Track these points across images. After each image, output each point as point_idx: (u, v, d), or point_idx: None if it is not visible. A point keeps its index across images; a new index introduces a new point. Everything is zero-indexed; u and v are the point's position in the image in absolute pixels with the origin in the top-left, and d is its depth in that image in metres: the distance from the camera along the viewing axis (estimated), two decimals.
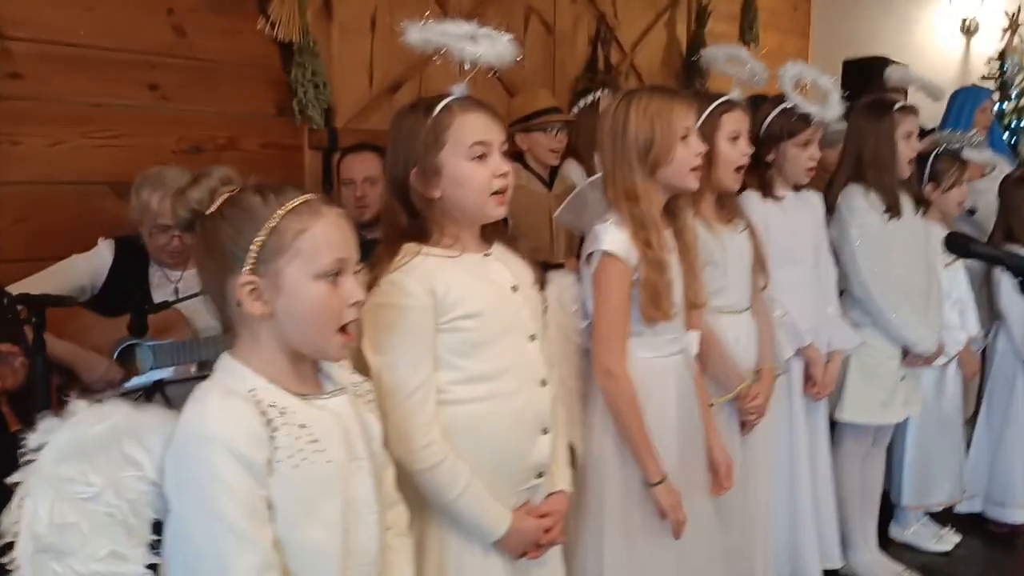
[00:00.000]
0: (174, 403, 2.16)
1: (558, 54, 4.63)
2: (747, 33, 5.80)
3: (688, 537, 2.02)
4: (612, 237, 1.93)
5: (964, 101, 4.26)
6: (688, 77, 5.37)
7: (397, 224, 1.67)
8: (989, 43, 5.84)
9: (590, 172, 3.71)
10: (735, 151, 2.24)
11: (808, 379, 2.63)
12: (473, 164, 1.63)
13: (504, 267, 1.71)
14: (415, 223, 1.66)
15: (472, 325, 1.63)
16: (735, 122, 2.25)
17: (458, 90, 1.68)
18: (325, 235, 1.28)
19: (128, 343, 2.54)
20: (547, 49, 4.57)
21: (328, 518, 1.28)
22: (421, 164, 1.63)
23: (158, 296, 2.66)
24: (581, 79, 4.70)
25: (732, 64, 2.39)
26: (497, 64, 1.69)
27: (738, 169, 2.27)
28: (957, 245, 1.89)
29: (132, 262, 2.67)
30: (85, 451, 1.20)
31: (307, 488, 1.25)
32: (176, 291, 2.71)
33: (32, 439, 1.19)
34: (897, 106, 2.77)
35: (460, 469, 1.61)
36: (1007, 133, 4.97)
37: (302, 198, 1.30)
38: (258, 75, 3.39)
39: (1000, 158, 4.01)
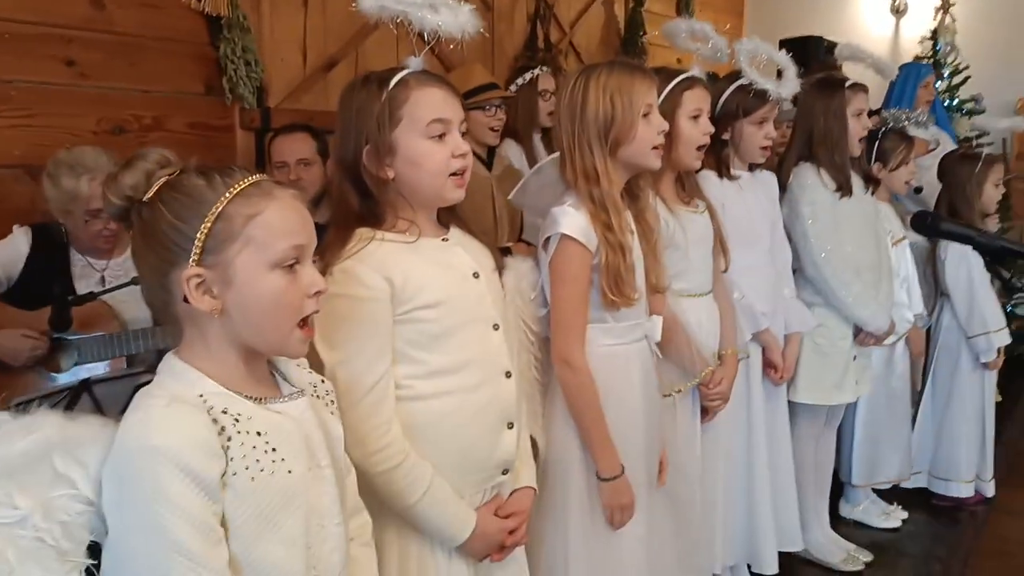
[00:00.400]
0: (104, 404, 2.02)
1: (497, 31, 4.53)
2: (683, 12, 5.79)
3: (651, 529, 1.96)
4: (571, 220, 1.84)
5: (907, 77, 4.29)
6: (626, 56, 5.32)
7: (348, 207, 1.54)
8: (918, 24, 5.92)
9: (528, 152, 3.63)
10: (696, 130, 2.17)
11: (767, 364, 2.59)
12: (431, 143, 1.52)
13: (464, 252, 1.61)
14: (367, 206, 1.54)
15: (433, 315, 1.52)
16: (696, 100, 2.18)
17: (414, 63, 1.56)
18: (279, 220, 1.15)
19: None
20: (485, 25, 4.45)
21: (289, 534, 1.15)
22: (374, 142, 1.51)
23: (82, 287, 2.50)
24: (520, 56, 4.62)
25: (694, 40, 2.31)
26: (459, 35, 1.58)
27: (699, 148, 2.19)
28: (926, 224, 1.85)
29: (51, 250, 2.50)
30: (9, 470, 1.06)
31: (266, 502, 1.13)
32: (102, 280, 2.55)
33: None
34: (848, 83, 2.73)
35: (421, 471, 1.51)
36: None
37: (251, 179, 1.16)
38: (184, 51, 3.21)
39: (943, 134, 4.05)
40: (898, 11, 6.07)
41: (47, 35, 2.77)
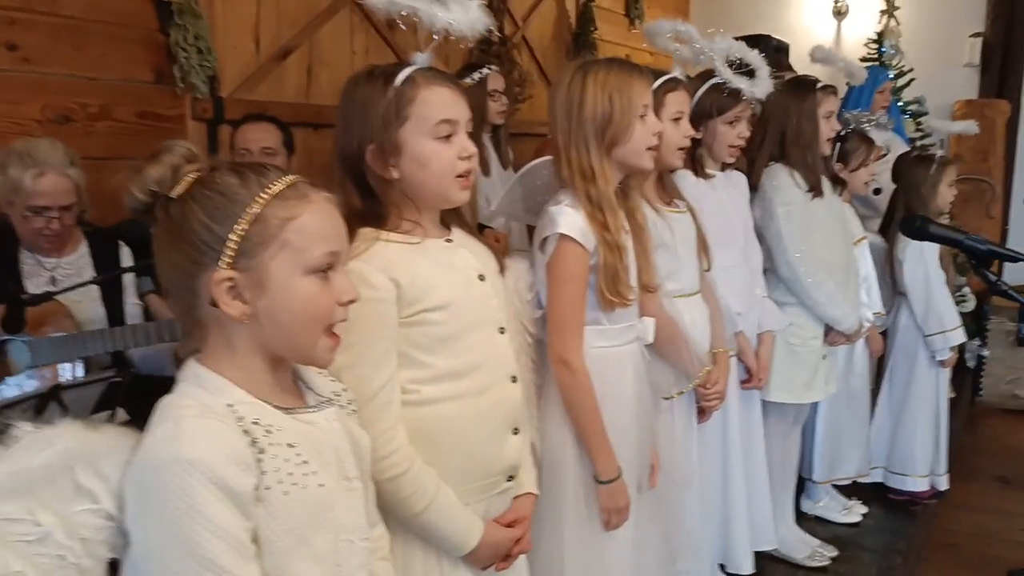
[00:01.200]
0: (72, 410, 1.90)
1: None
2: (632, 9, 5.82)
3: (641, 532, 1.95)
4: (569, 219, 1.80)
5: (875, 79, 4.36)
6: (577, 51, 5.32)
7: (350, 206, 1.46)
8: (859, 26, 6.05)
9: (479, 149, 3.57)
10: (678, 131, 2.15)
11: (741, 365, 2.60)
12: (437, 144, 1.46)
13: (470, 254, 1.56)
14: (370, 205, 1.48)
15: (439, 318, 1.47)
16: (679, 102, 2.16)
17: (421, 59, 1.49)
18: (315, 224, 1.11)
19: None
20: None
21: (319, 550, 1.10)
22: (379, 141, 1.44)
23: (31, 285, 2.36)
24: (475, 49, 4.55)
25: (676, 40, 2.29)
26: (469, 34, 1.52)
27: (681, 149, 2.18)
28: (915, 227, 1.86)
29: None
30: (30, 484, 0.99)
31: (298, 517, 1.08)
32: (52, 280, 2.41)
33: None
34: (819, 85, 2.75)
35: (427, 478, 1.46)
36: None
37: (287, 179, 1.11)
38: (133, 36, 3.06)
39: (895, 138, 4.14)
40: (840, 13, 6.20)
41: None
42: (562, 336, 1.82)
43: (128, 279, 2.53)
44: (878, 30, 5.33)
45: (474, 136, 3.58)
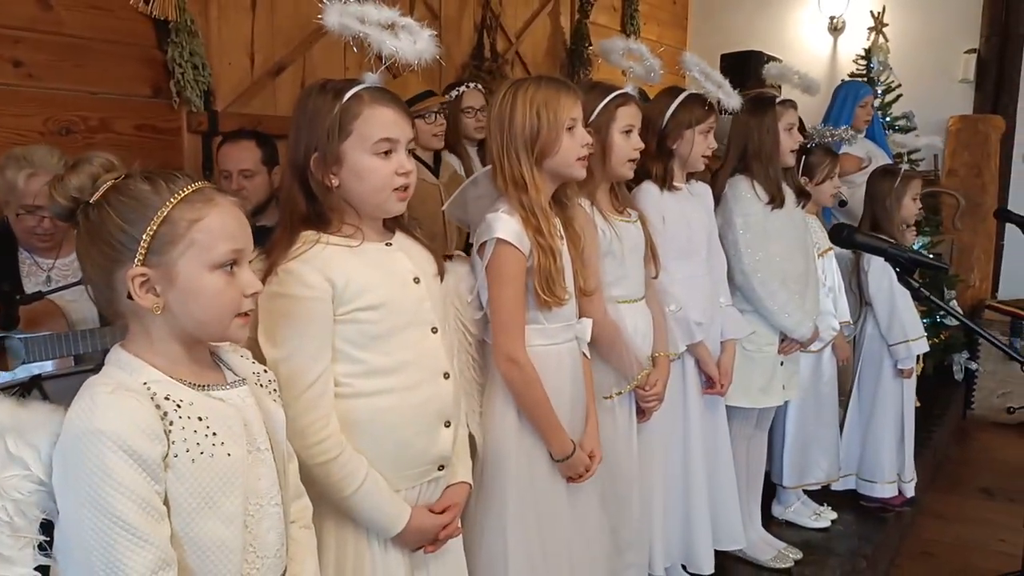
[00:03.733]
0: (53, 399, 2.03)
1: (444, 40, 4.57)
2: (628, 25, 5.93)
3: (587, 523, 2.05)
4: (505, 225, 1.92)
5: (846, 96, 4.46)
6: (572, 67, 5.44)
7: (295, 209, 1.60)
8: (855, 42, 6.13)
9: (465, 163, 3.71)
10: (628, 144, 2.26)
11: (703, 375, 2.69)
12: (376, 159, 1.59)
13: (406, 257, 1.68)
14: (314, 209, 1.61)
15: (373, 317, 1.59)
16: (629, 116, 2.27)
17: (370, 79, 1.62)
18: (220, 224, 1.24)
19: None
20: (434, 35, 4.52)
21: (228, 512, 1.23)
22: (322, 150, 1.57)
23: (29, 285, 2.51)
24: (467, 66, 4.69)
25: (629, 58, 2.41)
26: (415, 61, 1.65)
27: (631, 161, 2.29)
28: (842, 236, 1.96)
29: None
30: None
31: (206, 482, 1.21)
32: (48, 279, 2.56)
33: None
34: (778, 100, 2.86)
35: (357, 464, 1.58)
36: None
37: (194, 185, 1.25)
38: (131, 53, 3.23)
39: (877, 151, 4.22)
40: (836, 29, 6.29)
41: None
42: (506, 335, 1.93)
43: None
44: (866, 46, 5.42)
45: (459, 149, 3.68)
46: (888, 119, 4.96)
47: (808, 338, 2.90)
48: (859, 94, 4.42)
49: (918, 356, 3.48)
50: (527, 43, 5.17)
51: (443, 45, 4.73)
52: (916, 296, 1.92)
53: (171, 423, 1.19)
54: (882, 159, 4.30)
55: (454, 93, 3.78)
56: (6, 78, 2.85)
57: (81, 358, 2.49)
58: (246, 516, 1.26)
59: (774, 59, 5.64)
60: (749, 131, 2.82)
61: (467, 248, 3.25)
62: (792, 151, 2.92)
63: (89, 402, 1.17)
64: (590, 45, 5.43)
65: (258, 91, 3.67)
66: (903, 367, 3.46)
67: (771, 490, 3.40)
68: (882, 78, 4.99)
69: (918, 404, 3.68)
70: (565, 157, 1.97)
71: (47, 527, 1.19)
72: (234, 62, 3.59)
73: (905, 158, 4.94)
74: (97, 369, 2.19)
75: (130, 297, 1.21)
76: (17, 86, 2.88)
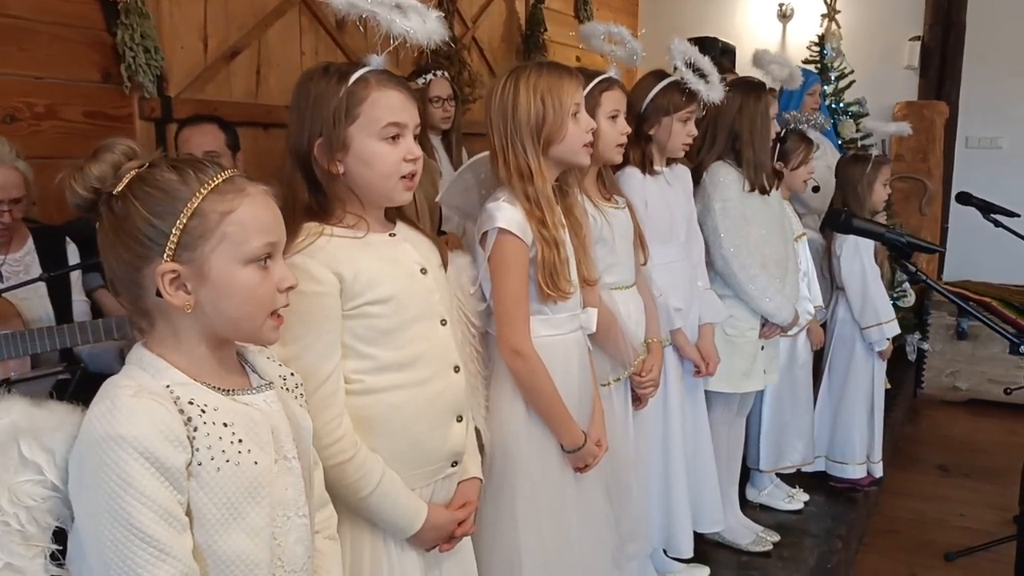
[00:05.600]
0: None
1: None
2: (582, 11, 5.90)
3: (594, 514, 2.03)
4: (507, 214, 1.86)
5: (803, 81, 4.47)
6: (527, 52, 5.38)
7: (297, 199, 1.51)
8: (804, 29, 6.19)
9: (428, 152, 3.62)
10: (615, 129, 2.22)
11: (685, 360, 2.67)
12: (384, 144, 1.51)
13: (412, 248, 1.60)
14: (316, 199, 1.53)
15: (383, 311, 1.51)
16: (614, 101, 2.23)
17: (375, 61, 1.54)
18: (253, 216, 1.15)
19: None
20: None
21: (254, 524, 1.15)
22: (327, 135, 1.49)
23: None
24: (424, 51, 4.58)
25: (611, 42, 2.36)
26: (425, 42, 1.57)
27: (618, 146, 2.25)
28: (839, 221, 1.95)
29: None
30: None
31: (231, 493, 1.13)
32: (0, 276, 2.41)
33: None
34: (768, 86, 2.85)
35: (373, 464, 1.51)
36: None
37: (224, 174, 1.16)
38: (79, 36, 3.06)
39: (824, 139, 4.25)
40: (785, 16, 6.34)
41: None
42: (511, 326, 1.88)
43: (75, 276, 2.53)
44: (820, 33, 5.47)
45: (423, 139, 3.62)
46: (842, 105, 5.01)
47: (789, 322, 2.90)
48: (808, 82, 4.45)
49: (889, 338, 3.52)
50: (483, 28, 5.09)
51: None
52: (914, 280, 1.91)
53: (195, 429, 1.11)
54: (829, 146, 4.34)
55: (420, 81, 3.68)
56: None
57: (38, 358, 2.36)
58: (273, 528, 1.18)
59: (730, 46, 5.69)
60: (742, 116, 2.79)
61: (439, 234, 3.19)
62: (772, 139, 2.91)
63: (110, 405, 1.07)
64: (545, 30, 5.38)
65: (212, 76, 3.53)
66: (879, 348, 3.50)
67: (744, 474, 3.41)
68: (835, 64, 5.03)
69: (888, 386, 3.73)
70: (571, 144, 1.92)
71: (59, 535, 1.12)
72: (187, 46, 3.44)
73: (859, 143, 4.99)
74: (73, 374, 2.10)
75: (158, 295, 1.13)
76: None
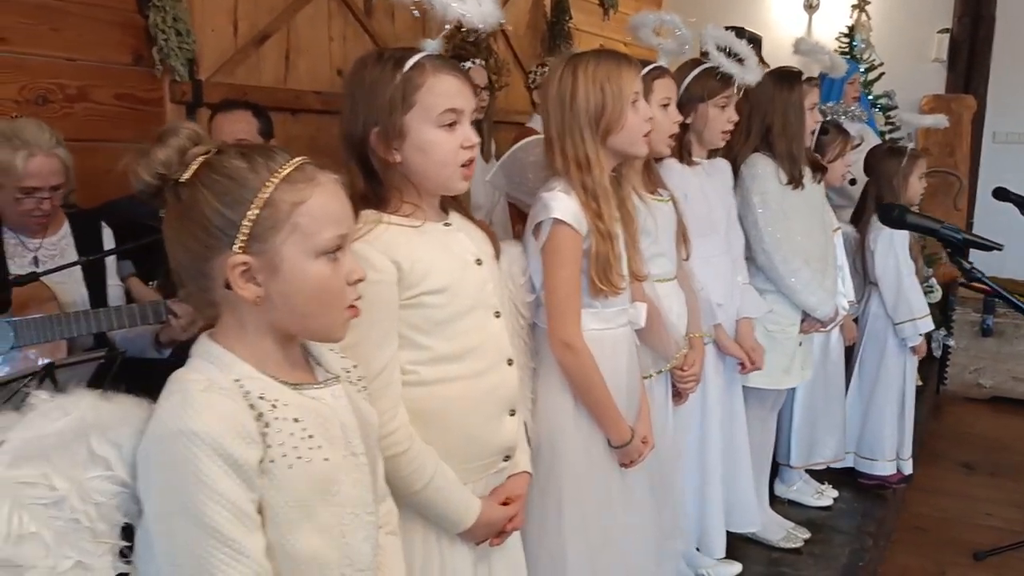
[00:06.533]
0: (64, 390, 1.89)
1: (427, 9, 4.46)
2: None
3: (640, 509, 2.01)
4: (562, 204, 1.83)
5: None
6: (552, 40, 5.33)
7: (353, 188, 1.48)
8: (830, 20, 6.12)
9: None
10: (667, 118, 2.20)
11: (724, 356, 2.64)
12: (441, 132, 1.48)
13: (467, 238, 1.58)
14: (372, 188, 1.50)
15: (438, 301, 1.49)
16: (666, 89, 2.20)
17: (430, 46, 1.51)
18: (324, 207, 1.12)
19: None
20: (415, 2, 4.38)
21: (325, 522, 1.12)
22: (383, 124, 1.46)
23: (13, 266, 2.34)
24: (452, 37, 4.55)
25: (661, 32, 2.32)
26: (481, 26, 1.54)
27: (671, 136, 2.22)
28: (892, 216, 1.91)
29: None
30: (46, 450, 1.02)
31: (303, 490, 1.10)
32: (36, 260, 2.39)
33: None
34: (804, 77, 2.80)
35: (427, 457, 1.48)
36: None
37: (295, 162, 1.12)
38: (111, 18, 3.03)
39: (867, 130, 4.20)
40: (811, 7, 6.27)
41: None
42: (562, 319, 1.85)
43: (110, 261, 2.52)
44: (849, 24, 5.40)
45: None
46: (870, 98, 4.95)
47: (830, 317, 2.87)
48: (849, 72, 4.39)
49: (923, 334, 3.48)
50: (509, 16, 5.03)
51: (426, 14, 4.62)
52: (970, 278, 1.88)
53: (266, 424, 1.08)
54: (873, 137, 4.28)
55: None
56: None
57: (73, 342, 2.35)
58: (341, 526, 1.15)
59: (756, 36, 5.63)
60: (774, 107, 2.76)
61: None
62: (812, 132, 2.87)
63: (180, 399, 1.05)
64: (570, 18, 5.33)
65: (242, 60, 3.50)
66: (911, 344, 3.46)
67: (774, 470, 3.38)
68: (864, 56, 4.97)
69: (919, 382, 3.69)
70: (630, 133, 1.89)
71: (126, 531, 1.09)
72: (217, 29, 3.41)
73: (887, 136, 4.94)
74: (114, 359, 2.08)
75: (227, 287, 1.10)
76: None
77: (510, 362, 1.60)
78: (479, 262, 1.57)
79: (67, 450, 1.04)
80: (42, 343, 2.26)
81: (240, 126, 2.86)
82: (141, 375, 2.31)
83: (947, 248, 1.93)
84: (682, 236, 2.35)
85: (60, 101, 2.89)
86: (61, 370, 1.89)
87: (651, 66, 2.19)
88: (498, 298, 1.60)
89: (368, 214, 1.47)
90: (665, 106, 2.20)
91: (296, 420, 1.11)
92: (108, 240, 2.52)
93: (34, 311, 2.28)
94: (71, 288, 2.42)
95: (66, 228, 2.48)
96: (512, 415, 1.60)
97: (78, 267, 2.40)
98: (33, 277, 2.19)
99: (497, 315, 1.59)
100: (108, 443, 1.06)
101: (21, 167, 2.21)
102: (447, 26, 1.57)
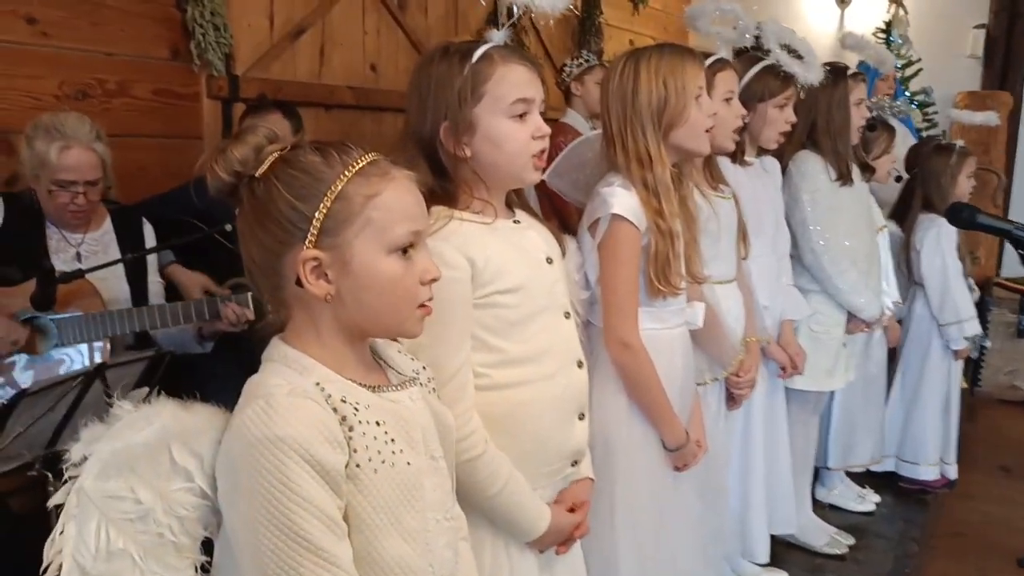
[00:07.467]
0: (113, 389, 1.87)
1: (460, 5, 4.42)
2: None
3: (691, 513, 1.97)
4: (621, 200, 1.79)
5: (866, 69, 4.34)
6: (583, 35, 5.29)
7: (423, 184, 1.44)
8: (862, 16, 6.04)
9: None
10: (731, 112, 2.14)
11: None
12: (512, 123, 1.44)
13: (537, 236, 1.54)
14: (441, 184, 1.46)
15: (511, 301, 1.45)
16: (728, 82, 2.16)
17: (498, 36, 1.47)
18: (398, 201, 1.09)
19: (26, 316, 2.19)
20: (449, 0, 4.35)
21: (410, 528, 1.09)
22: (453, 118, 1.42)
23: (57, 261, 2.33)
24: (484, 31, 4.51)
25: (722, 20, 2.27)
26: (550, 13, 1.50)
27: (734, 131, 2.16)
28: (962, 216, 1.86)
29: (24, 221, 2.31)
30: (131, 461, 1.00)
31: (389, 496, 1.07)
32: (78, 256, 2.37)
33: (74, 451, 0.99)
34: (850, 72, 2.74)
35: (500, 462, 1.44)
36: None
37: (369, 157, 1.09)
38: (149, 12, 3.01)
39: (902, 127, 4.14)
40: (843, 2, 6.19)
41: None
42: (620, 317, 1.81)
43: (151, 257, 2.49)
44: (886, 19, 5.32)
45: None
46: (908, 94, 4.88)
47: (877, 317, 2.81)
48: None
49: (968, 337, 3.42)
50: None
51: (460, 9, 4.56)
52: None
53: (350, 428, 1.04)
54: (906, 134, 4.21)
55: None
56: (20, 36, 2.63)
57: (114, 341, 2.32)
58: (426, 532, 1.11)
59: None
60: (819, 104, 2.70)
61: None
62: (859, 127, 2.81)
63: (264, 405, 1.00)
64: (601, 13, 5.28)
65: (278, 55, 3.47)
66: (955, 347, 3.40)
67: (814, 473, 3.32)
68: (902, 51, 4.90)
69: (964, 385, 3.63)
70: (693, 129, 1.85)
71: (205, 544, 1.06)
72: (253, 24, 3.38)
73: (923, 133, 4.87)
74: (163, 358, 2.05)
75: (298, 283, 1.06)
76: (31, 45, 2.67)
77: (580, 364, 1.56)
78: (549, 261, 1.53)
79: (151, 461, 1.02)
80: (84, 341, 2.24)
81: (273, 127, 2.82)
82: (187, 372, 2.30)
83: (1019, 249, 1.87)
84: (742, 234, 2.29)
85: (99, 96, 2.87)
86: (111, 369, 1.86)
87: (712, 58, 2.14)
88: (567, 298, 1.56)
89: (440, 210, 1.43)
90: (728, 100, 2.14)
91: (379, 424, 1.08)
92: (149, 236, 2.50)
93: (77, 308, 2.26)
94: (113, 284, 2.40)
95: (108, 224, 2.46)
96: (582, 419, 1.56)
97: (120, 264, 2.38)
98: (79, 274, 2.17)
99: (567, 315, 1.55)
100: (189, 453, 1.03)
101: (55, 159, 2.20)
102: (514, 15, 1.52)
